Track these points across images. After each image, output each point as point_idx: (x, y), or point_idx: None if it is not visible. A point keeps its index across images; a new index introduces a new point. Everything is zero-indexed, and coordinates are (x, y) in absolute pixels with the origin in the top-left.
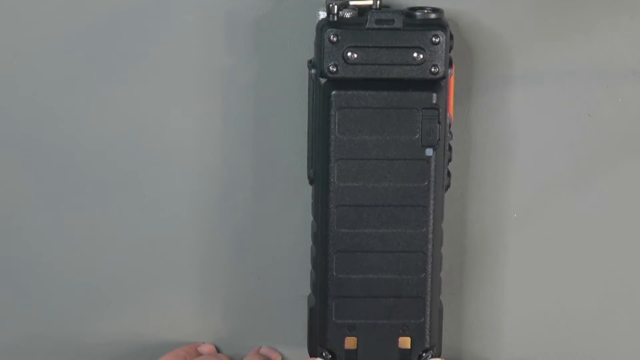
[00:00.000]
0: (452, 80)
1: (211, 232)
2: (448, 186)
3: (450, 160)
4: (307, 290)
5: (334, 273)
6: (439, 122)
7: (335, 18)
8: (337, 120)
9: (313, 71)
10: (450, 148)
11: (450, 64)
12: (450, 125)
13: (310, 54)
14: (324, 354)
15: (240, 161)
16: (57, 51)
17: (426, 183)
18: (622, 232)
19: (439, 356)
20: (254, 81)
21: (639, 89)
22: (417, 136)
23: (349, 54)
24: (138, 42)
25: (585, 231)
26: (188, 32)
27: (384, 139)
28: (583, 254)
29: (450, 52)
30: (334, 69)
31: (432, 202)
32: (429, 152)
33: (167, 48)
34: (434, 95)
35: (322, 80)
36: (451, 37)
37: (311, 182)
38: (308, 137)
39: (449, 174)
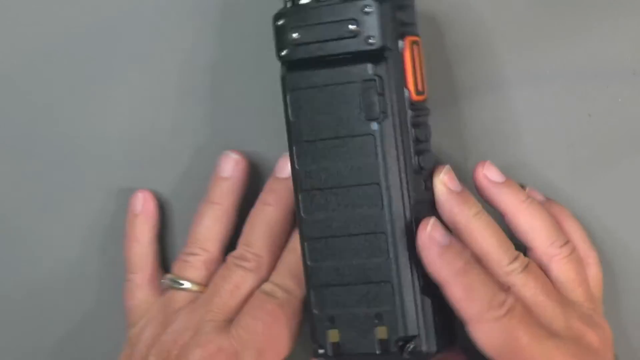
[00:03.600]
0: (407, 54)
1: None
2: (422, 168)
3: (422, 140)
4: None
5: (307, 262)
6: (379, 94)
7: (290, 4)
8: (290, 103)
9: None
10: (419, 125)
11: (402, 36)
12: (415, 102)
13: None
14: (318, 350)
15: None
16: (48, 50)
17: (376, 159)
18: (622, 232)
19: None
20: (253, 80)
21: (639, 88)
22: (361, 112)
23: (293, 35)
24: (131, 42)
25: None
26: (178, 30)
27: (332, 117)
28: None
29: (405, 26)
30: (284, 53)
31: (383, 178)
32: (374, 126)
33: (160, 48)
34: (370, 66)
35: (282, 68)
36: (402, 7)
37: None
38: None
39: (419, 153)
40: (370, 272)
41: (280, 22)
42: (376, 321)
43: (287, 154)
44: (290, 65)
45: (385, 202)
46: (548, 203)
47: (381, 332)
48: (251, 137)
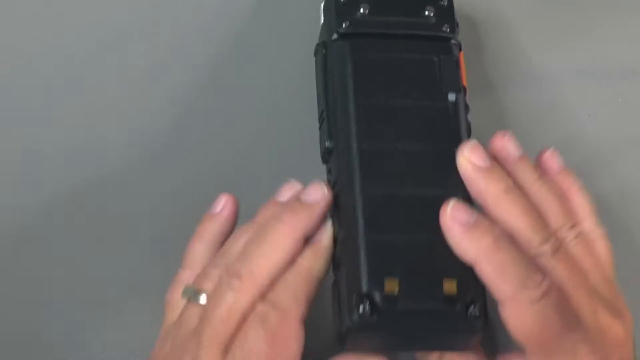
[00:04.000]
0: (462, 55)
1: None
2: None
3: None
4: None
5: (366, 211)
6: (458, 69)
7: None
8: (352, 67)
9: (324, 52)
10: (467, 107)
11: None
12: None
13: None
14: (361, 306)
15: (242, 160)
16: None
17: (456, 125)
18: (622, 232)
19: (484, 311)
20: (257, 78)
21: (639, 88)
22: (438, 82)
23: (361, 10)
24: (134, 38)
25: None
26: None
27: (401, 85)
28: None
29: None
30: (346, 25)
31: (458, 141)
32: (452, 96)
33: (163, 46)
34: (450, 44)
35: (334, 43)
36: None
37: (329, 152)
38: (321, 115)
39: (469, 126)
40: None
41: None
42: (444, 273)
43: (320, 181)
44: (352, 37)
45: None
46: (561, 175)
47: (449, 286)
48: (255, 134)
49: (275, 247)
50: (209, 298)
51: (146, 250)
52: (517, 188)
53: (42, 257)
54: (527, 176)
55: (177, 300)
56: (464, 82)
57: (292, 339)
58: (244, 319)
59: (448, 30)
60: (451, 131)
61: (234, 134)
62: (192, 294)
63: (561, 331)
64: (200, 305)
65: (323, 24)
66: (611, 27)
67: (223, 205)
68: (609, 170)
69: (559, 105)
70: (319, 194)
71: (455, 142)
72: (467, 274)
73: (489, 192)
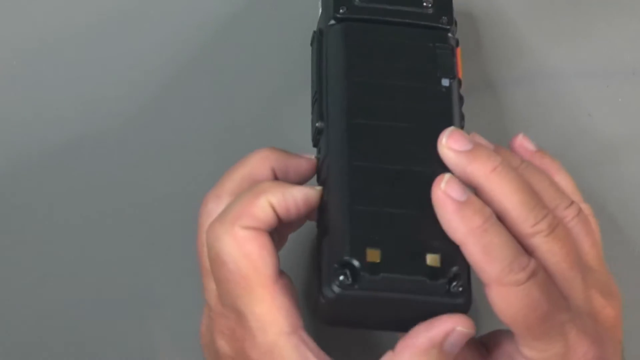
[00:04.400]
0: (459, 51)
1: None
2: (462, 127)
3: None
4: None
5: (352, 182)
6: (453, 57)
7: None
8: (348, 48)
9: (320, 37)
10: (461, 99)
11: (457, 42)
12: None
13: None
14: (341, 276)
15: (239, 154)
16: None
17: (448, 109)
18: (622, 232)
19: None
20: (253, 72)
21: (639, 88)
22: (433, 68)
23: None
24: (129, 31)
25: None
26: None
27: (398, 70)
28: None
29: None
30: (343, 10)
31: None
32: (446, 82)
33: (160, 45)
34: (446, 34)
35: (331, 28)
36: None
37: (319, 132)
38: (314, 97)
39: (462, 117)
40: (428, 202)
41: None
42: (428, 248)
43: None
44: (348, 22)
45: None
46: (538, 156)
47: (432, 260)
48: (253, 130)
49: (239, 170)
50: None
51: (144, 247)
52: (507, 165)
53: (42, 255)
54: (509, 160)
55: None
56: (460, 75)
57: (249, 247)
58: None
59: (445, 22)
60: (443, 115)
61: (229, 131)
62: None
63: (548, 312)
64: None
65: (321, 14)
66: (611, 27)
67: None
68: (609, 170)
69: (559, 105)
70: (305, 155)
71: (447, 126)
72: (452, 251)
73: (476, 173)
